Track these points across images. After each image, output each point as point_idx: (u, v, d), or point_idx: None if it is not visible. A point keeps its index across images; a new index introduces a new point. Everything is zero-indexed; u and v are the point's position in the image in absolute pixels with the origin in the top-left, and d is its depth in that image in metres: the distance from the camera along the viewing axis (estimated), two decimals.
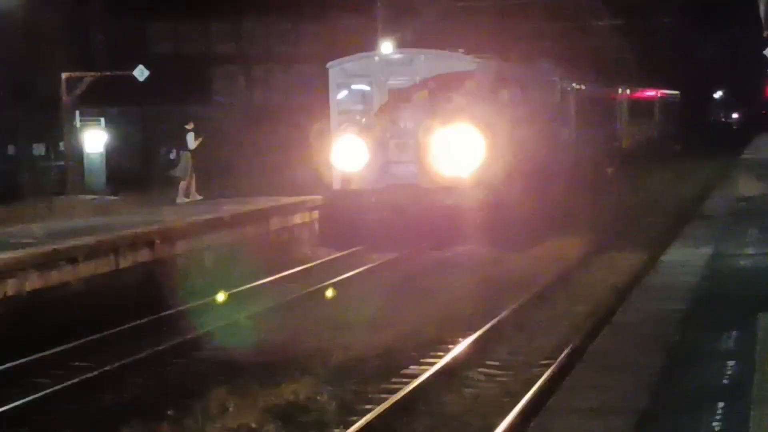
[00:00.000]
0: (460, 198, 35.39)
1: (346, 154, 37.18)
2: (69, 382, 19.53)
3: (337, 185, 37.60)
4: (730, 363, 14.90)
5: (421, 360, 20.33)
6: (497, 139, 37.45)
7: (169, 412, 17.09)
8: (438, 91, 36.64)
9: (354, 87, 38.22)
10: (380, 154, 36.76)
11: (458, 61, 37.21)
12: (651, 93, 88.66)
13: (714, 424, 12.16)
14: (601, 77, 65.95)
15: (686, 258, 25.34)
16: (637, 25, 70.30)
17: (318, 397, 17.37)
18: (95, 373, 20.10)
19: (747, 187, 44.74)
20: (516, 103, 42.08)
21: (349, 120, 37.89)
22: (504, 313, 23.47)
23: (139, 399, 18.53)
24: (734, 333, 16.84)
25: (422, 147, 36.10)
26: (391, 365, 19.84)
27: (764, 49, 54.49)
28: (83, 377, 19.85)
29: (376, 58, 37.89)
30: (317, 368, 19.38)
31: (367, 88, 37.84)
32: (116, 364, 20.56)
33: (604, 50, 78.76)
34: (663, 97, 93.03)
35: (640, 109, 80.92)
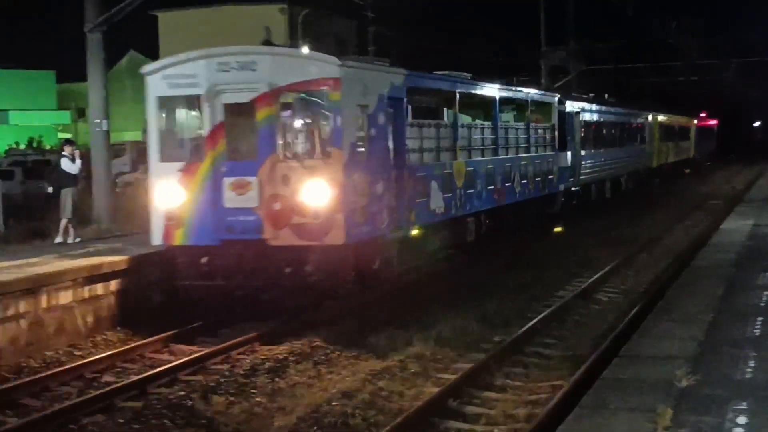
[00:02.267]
0: (322, 260, 16.38)
1: (167, 197, 17.23)
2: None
3: (157, 239, 17.47)
4: (766, 293, 14.56)
5: None
6: (383, 176, 18.00)
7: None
8: (290, 107, 17.36)
9: (180, 101, 17.99)
10: (212, 196, 16.81)
11: (318, 64, 16.90)
12: (687, 120, 68.68)
13: (755, 330, 12.02)
14: (631, 105, 49.40)
15: (737, 226, 24.68)
16: (704, 80, 67.73)
17: None
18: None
19: None
20: (429, 124, 21.46)
21: (173, 148, 17.90)
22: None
23: (388, 313, 17.48)
24: None
25: (268, 187, 16.50)
26: None
27: None
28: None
29: (209, 60, 17.29)
30: None
31: (196, 102, 17.49)
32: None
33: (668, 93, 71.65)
34: (701, 125, 76.73)
35: (675, 133, 61.21)
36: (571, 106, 32.95)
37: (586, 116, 35.75)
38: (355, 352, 14.44)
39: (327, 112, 16.87)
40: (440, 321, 16.15)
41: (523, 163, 26.79)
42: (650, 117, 51.16)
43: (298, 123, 17.22)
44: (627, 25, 56.45)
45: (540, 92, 30.47)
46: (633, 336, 12.21)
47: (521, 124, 27.87)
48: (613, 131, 41.43)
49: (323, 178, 16.28)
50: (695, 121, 72.11)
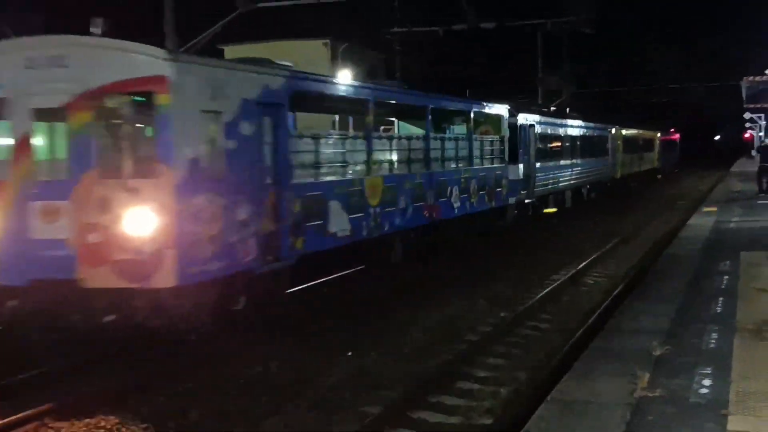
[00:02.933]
0: (153, 306, 10.64)
1: None
2: None
3: None
4: (726, 278, 14.44)
5: None
6: (249, 198, 12.29)
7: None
8: (110, 114, 11.24)
9: None
10: (17, 225, 10.98)
11: (142, 59, 10.72)
12: (652, 133, 60.90)
13: (718, 308, 11.90)
14: (593, 118, 41.51)
15: (702, 222, 24.48)
16: (676, 100, 67.60)
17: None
18: None
19: (734, 185, 42.89)
20: (329, 136, 16.19)
21: None
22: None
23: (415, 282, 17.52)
24: (728, 262, 16.22)
25: (83, 214, 10.72)
26: None
27: (744, 113, 52.29)
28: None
29: (14, 55, 11.24)
30: None
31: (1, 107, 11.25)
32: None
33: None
34: (664, 138, 68.26)
35: (639, 145, 54.39)
36: (524, 118, 27.51)
37: (542, 129, 30.21)
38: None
39: (154, 120, 11.06)
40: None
41: (463, 176, 21.31)
42: (614, 130, 45.04)
43: (120, 133, 11.45)
44: (611, 55, 56.27)
45: (486, 104, 23.89)
46: (616, 313, 12.18)
47: (461, 136, 22.38)
48: (572, 143, 35.15)
49: (148, 204, 10.71)
50: (659, 134, 65.32)
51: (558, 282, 18.17)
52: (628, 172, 49.39)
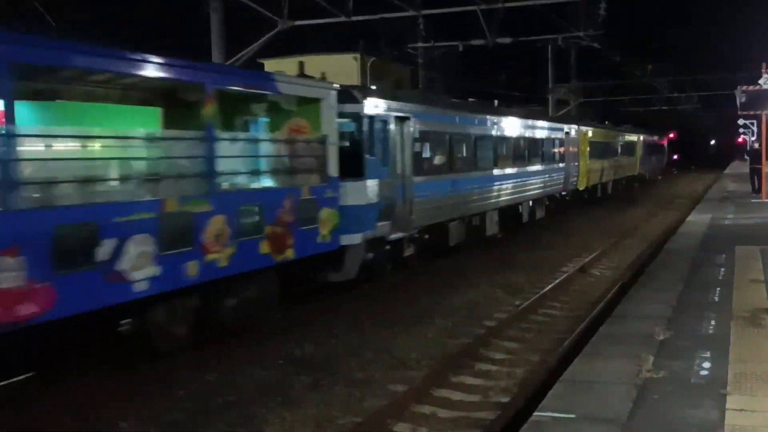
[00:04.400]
0: None
1: None
2: None
3: None
4: (722, 269, 14.19)
5: None
6: None
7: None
8: None
9: None
10: None
11: None
12: (630, 135, 47.90)
13: (715, 297, 11.72)
14: (535, 116, 28.69)
15: (699, 219, 24.17)
16: (673, 109, 66.72)
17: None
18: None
19: (728, 185, 42.40)
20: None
21: None
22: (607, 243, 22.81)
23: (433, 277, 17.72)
24: (723, 255, 15.95)
25: None
26: None
27: (738, 119, 51.69)
28: None
29: None
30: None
31: None
32: None
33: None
34: (649, 142, 55.15)
35: (613, 150, 41.52)
36: (380, 108, 15.51)
37: (429, 126, 17.82)
38: None
39: None
40: None
41: (181, 209, 9.93)
42: (573, 131, 31.93)
43: None
44: (615, 68, 55.78)
45: (276, 78, 12.55)
46: (621, 301, 12.04)
47: (191, 135, 10.67)
48: (497, 147, 22.69)
49: None
50: (641, 137, 51.44)
51: (569, 272, 18.01)
52: (597, 182, 37.07)
